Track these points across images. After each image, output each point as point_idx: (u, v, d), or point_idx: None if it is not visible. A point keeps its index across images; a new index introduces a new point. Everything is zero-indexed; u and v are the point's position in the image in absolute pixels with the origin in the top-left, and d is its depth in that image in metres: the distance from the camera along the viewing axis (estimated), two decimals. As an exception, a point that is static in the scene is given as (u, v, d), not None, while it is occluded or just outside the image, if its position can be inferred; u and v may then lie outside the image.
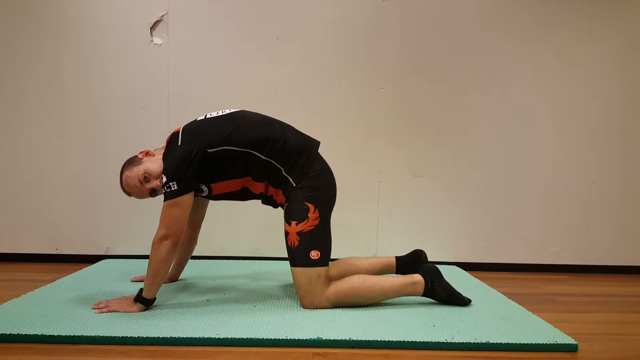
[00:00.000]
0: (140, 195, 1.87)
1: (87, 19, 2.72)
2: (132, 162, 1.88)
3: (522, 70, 2.75)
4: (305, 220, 1.81)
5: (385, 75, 2.75)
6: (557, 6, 2.73)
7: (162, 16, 2.72)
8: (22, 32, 2.71)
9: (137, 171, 1.83)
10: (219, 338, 1.51)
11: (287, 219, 1.84)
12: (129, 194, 1.89)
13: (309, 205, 1.82)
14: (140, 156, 1.88)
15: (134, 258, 2.71)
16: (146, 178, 1.83)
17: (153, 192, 1.87)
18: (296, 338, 1.52)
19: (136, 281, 2.17)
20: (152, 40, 2.72)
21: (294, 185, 1.84)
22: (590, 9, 2.73)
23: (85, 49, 2.72)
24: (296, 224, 1.81)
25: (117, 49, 2.72)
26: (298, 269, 1.81)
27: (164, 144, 1.92)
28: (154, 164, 1.84)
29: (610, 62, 2.75)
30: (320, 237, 1.83)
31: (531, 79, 2.75)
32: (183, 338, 1.50)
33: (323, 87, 2.74)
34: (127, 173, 1.85)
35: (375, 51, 2.74)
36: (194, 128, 1.84)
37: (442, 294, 1.88)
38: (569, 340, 1.55)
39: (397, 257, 2.14)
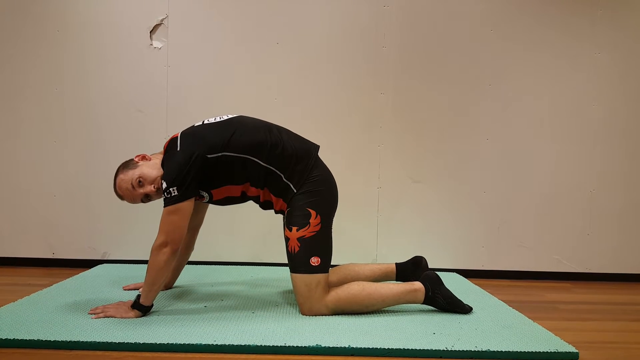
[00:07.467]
0: (132, 199, 1.83)
1: (86, 22, 2.71)
2: (127, 165, 1.84)
3: (523, 76, 2.75)
4: (307, 226, 1.79)
5: (386, 81, 2.74)
6: (558, 12, 2.73)
7: (162, 20, 2.71)
8: (21, 35, 2.71)
9: (131, 175, 1.79)
10: (216, 345, 1.49)
11: (288, 225, 1.82)
12: (121, 197, 1.85)
13: (310, 210, 1.80)
14: (136, 160, 1.85)
15: (131, 263, 2.69)
16: (140, 182, 1.79)
17: (146, 198, 1.83)
18: (295, 345, 1.51)
19: (129, 289, 2.12)
20: (151, 44, 2.72)
21: (295, 191, 1.82)
22: (593, 14, 2.73)
23: (85, 52, 2.72)
24: (297, 230, 1.79)
25: (116, 53, 2.72)
26: (298, 275, 1.80)
27: (162, 148, 1.91)
28: (151, 169, 1.81)
29: (611, 68, 2.75)
30: (321, 244, 1.82)
31: (532, 85, 2.75)
32: (180, 344, 1.49)
33: (323, 92, 2.74)
34: (121, 176, 1.81)
35: (375, 57, 2.74)
36: (192, 133, 1.82)
37: (443, 301, 1.86)
38: (570, 348, 1.54)
39: (397, 264, 2.12)
